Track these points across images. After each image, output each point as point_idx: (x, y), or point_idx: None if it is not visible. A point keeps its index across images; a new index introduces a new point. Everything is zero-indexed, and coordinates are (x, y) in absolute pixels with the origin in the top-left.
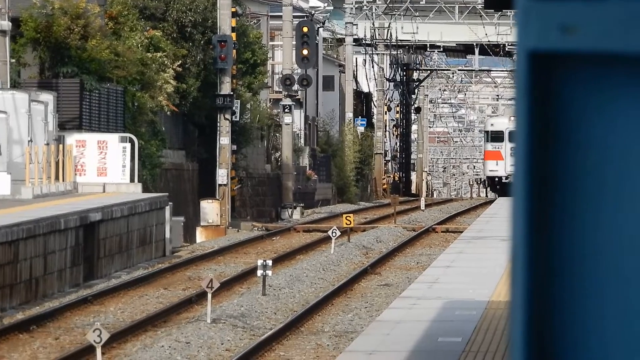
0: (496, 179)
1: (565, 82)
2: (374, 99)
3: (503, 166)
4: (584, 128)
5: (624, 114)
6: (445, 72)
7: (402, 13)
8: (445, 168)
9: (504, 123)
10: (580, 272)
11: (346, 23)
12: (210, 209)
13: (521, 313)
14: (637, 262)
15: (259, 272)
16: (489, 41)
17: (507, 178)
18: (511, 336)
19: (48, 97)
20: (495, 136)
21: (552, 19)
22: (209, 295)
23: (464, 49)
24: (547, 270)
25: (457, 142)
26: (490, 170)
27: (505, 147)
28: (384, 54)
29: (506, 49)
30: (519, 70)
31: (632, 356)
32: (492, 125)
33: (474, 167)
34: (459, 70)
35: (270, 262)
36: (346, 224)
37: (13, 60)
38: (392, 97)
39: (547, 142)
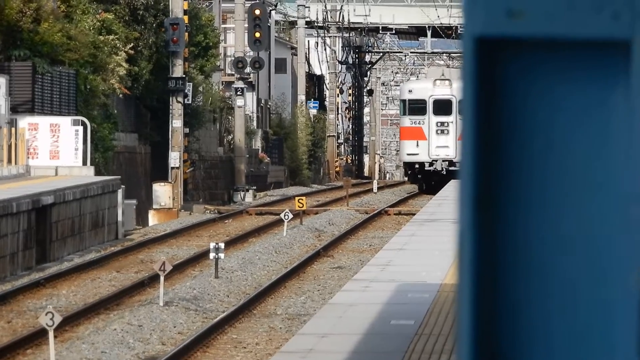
0: (416, 166)
1: (512, 68)
2: (326, 81)
3: (426, 148)
4: (530, 113)
5: (568, 99)
6: (397, 54)
7: None
8: (397, 151)
9: (427, 89)
10: (525, 255)
11: (298, 5)
12: (163, 192)
13: (468, 298)
14: (580, 244)
15: (212, 255)
16: (441, 23)
17: (431, 164)
18: (458, 322)
19: (0, 80)
20: (415, 107)
21: (499, 4)
22: (162, 278)
23: (416, 32)
24: (493, 256)
25: None
26: (408, 154)
27: (429, 122)
28: (336, 36)
29: (458, 31)
30: (466, 56)
31: (575, 336)
32: (410, 92)
33: None
34: (411, 52)
35: (222, 245)
36: (299, 206)
37: None
38: (344, 79)
39: (495, 128)
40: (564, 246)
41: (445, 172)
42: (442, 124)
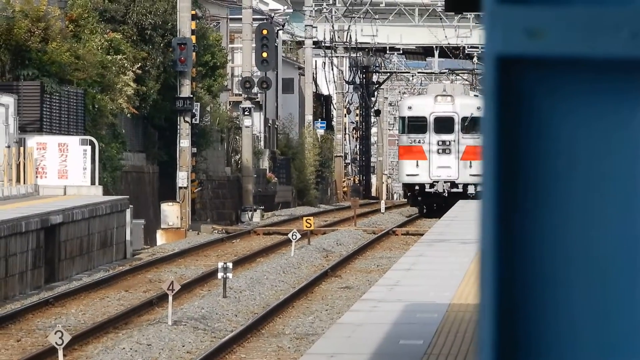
0: (416, 188)
1: (533, 86)
2: (334, 101)
3: (426, 168)
4: (553, 133)
5: (591, 119)
6: (404, 74)
7: (361, 16)
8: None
9: (428, 105)
10: (550, 277)
11: (306, 26)
12: (171, 212)
13: (490, 318)
14: (604, 263)
15: (220, 275)
16: (448, 44)
17: (432, 186)
18: (480, 338)
19: (9, 99)
20: (415, 124)
21: (518, 23)
22: (170, 298)
23: (424, 52)
24: (516, 275)
25: None
26: (407, 175)
27: (430, 141)
28: (343, 56)
29: (466, 52)
30: (487, 75)
31: (604, 354)
32: (409, 108)
33: None
34: (418, 72)
35: (230, 265)
36: (306, 226)
37: None
38: (351, 99)
39: (516, 147)
40: (589, 267)
41: (447, 194)
42: (444, 142)
